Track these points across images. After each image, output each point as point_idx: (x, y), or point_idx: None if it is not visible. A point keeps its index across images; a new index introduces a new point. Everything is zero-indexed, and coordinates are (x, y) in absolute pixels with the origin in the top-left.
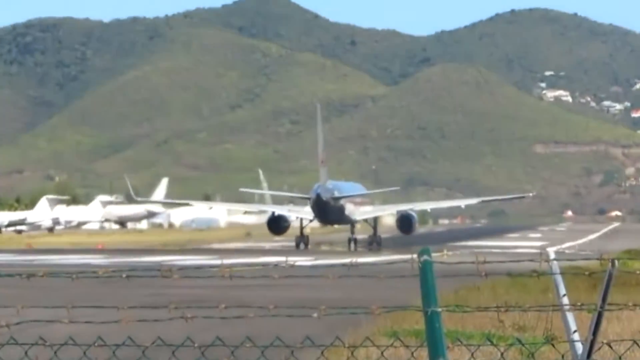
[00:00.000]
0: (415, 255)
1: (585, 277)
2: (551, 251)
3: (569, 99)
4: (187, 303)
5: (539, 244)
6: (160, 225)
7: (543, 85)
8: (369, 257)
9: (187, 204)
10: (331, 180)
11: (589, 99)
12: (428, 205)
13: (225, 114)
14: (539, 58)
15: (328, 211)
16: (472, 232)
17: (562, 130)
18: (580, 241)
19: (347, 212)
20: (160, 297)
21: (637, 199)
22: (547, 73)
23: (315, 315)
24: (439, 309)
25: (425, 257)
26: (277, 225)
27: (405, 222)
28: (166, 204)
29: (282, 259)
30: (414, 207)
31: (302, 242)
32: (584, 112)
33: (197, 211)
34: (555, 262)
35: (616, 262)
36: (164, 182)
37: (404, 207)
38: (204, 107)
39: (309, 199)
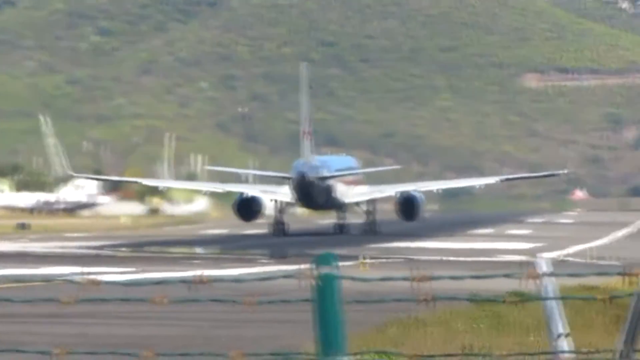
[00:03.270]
0: (306, 266)
1: (601, 305)
2: (544, 259)
3: None
4: None
5: (525, 246)
6: None
7: None
8: (234, 267)
9: (135, 182)
10: (315, 154)
11: None
12: (435, 186)
13: None
14: None
15: (314, 193)
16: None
17: (572, 49)
18: (596, 242)
19: (336, 194)
20: None
21: None
22: None
23: None
24: (347, 358)
25: (324, 268)
26: (247, 209)
27: (407, 205)
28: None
29: (77, 269)
30: (418, 187)
31: (280, 229)
32: (611, 18)
33: None
34: (550, 278)
35: None
36: None
37: (405, 187)
38: None
39: (289, 178)
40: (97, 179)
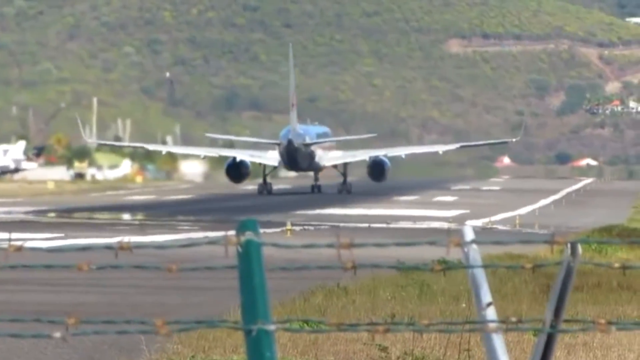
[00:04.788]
0: (230, 233)
1: (528, 273)
2: (469, 227)
3: None
4: None
5: (451, 214)
6: None
7: None
8: (157, 234)
9: (141, 148)
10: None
11: None
12: (402, 151)
13: None
14: None
15: (299, 158)
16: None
17: (496, 14)
18: (522, 210)
19: (316, 158)
20: None
21: (623, 136)
22: None
23: (58, 334)
24: (272, 326)
25: (248, 235)
26: (237, 172)
27: (376, 168)
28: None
29: (3, 235)
30: (388, 153)
31: (266, 190)
32: None
33: None
34: (474, 246)
35: (579, 247)
36: None
37: (376, 152)
38: None
39: (277, 144)
40: (117, 146)
